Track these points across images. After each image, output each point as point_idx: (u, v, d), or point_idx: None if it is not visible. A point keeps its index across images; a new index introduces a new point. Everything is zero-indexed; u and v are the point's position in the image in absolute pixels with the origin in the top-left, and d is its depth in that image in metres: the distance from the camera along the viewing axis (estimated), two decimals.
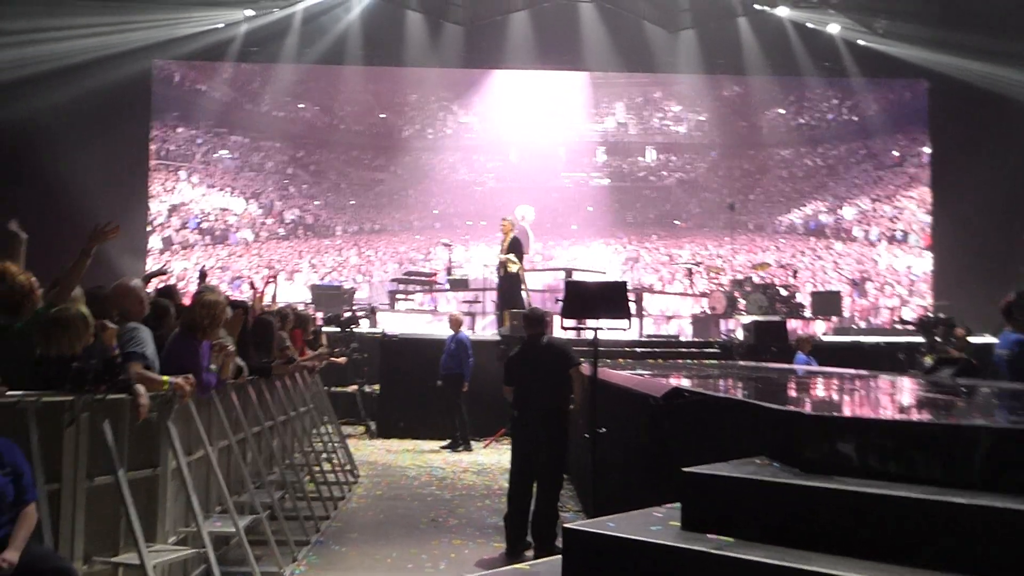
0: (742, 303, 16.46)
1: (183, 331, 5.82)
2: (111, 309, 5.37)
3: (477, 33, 20.73)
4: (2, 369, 4.24)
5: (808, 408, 4.32)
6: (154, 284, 8.11)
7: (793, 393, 5.82)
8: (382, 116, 22.09)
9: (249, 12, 19.77)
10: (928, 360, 10.72)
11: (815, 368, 10.54)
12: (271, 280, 10.73)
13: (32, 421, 4.26)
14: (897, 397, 5.40)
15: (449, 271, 18.35)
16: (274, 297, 10.15)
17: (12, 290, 4.80)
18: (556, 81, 21.83)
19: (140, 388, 4.80)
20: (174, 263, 20.00)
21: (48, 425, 4.37)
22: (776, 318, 14.79)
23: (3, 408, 4.16)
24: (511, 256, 13.97)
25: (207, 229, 20.81)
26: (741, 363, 11.61)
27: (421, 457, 12.10)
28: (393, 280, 19.35)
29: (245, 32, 20.09)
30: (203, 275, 8.51)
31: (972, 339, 12.57)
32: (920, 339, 12.78)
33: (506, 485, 7.62)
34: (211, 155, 21.14)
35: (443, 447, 12.61)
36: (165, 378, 5.13)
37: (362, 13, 20.36)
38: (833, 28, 20.62)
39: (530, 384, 7.39)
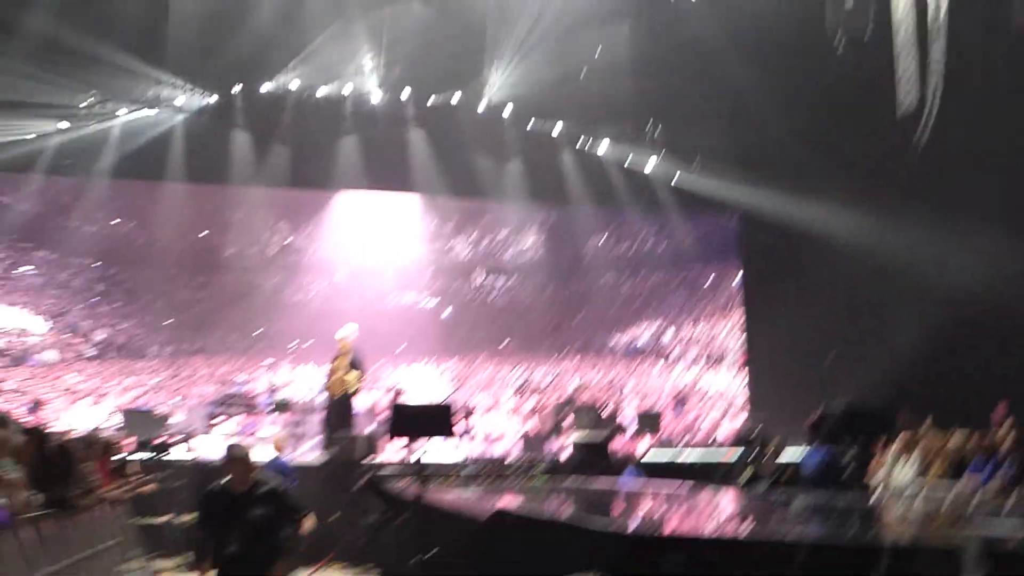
0: (568, 422, 16.68)
1: None
2: None
3: (304, 153, 20.66)
4: None
5: (631, 526, 4.34)
6: None
7: (617, 511, 5.85)
8: (203, 234, 21.52)
9: (63, 124, 19.01)
10: (745, 474, 11.10)
11: (640, 485, 10.70)
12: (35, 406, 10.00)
13: None
14: (717, 511, 5.52)
15: (272, 393, 17.76)
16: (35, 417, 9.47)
17: None
18: (385, 202, 22.00)
19: None
20: None
21: None
22: (601, 437, 15.02)
23: None
24: (355, 373, 13.71)
25: (3, 350, 19.36)
26: (568, 481, 11.66)
27: None
28: (211, 403, 18.51)
29: (58, 144, 19.22)
30: None
31: (784, 454, 13.14)
32: (737, 453, 13.25)
33: None
34: (12, 271, 19.86)
35: None
36: None
37: (185, 130, 19.94)
38: (650, 163, 21.86)
39: None
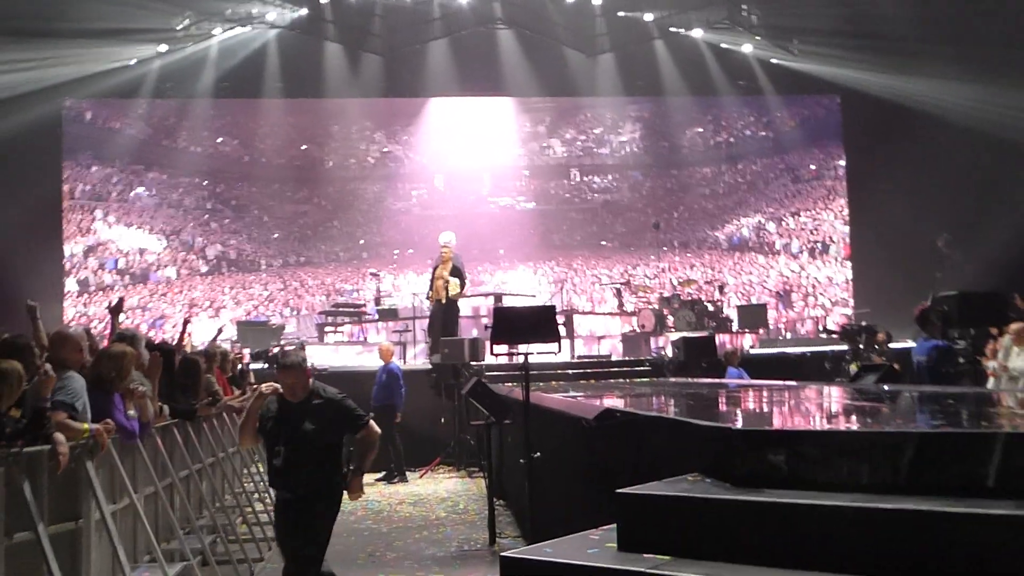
0: (671, 320, 16.64)
1: (91, 384, 5.50)
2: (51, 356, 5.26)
3: (396, 62, 20.69)
4: None
5: (735, 422, 4.37)
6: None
7: (722, 408, 5.87)
8: (303, 148, 21.89)
9: (162, 48, 19.41)
10: (852, 367, 10.95)
11: (743, 381, 10.69)
12: (186, 325, 10.47)
13: None
14: (823, 406, 5.49)
15: (378, 301, 18.19)
16: (181, 337, 9.90)
17: None
18: (478, 107, 21.90)
19: (59, 437, 4.63)
20: (92, 306, 19.47)
21: None
22: (704, 333, 14.97)
23: None
24: (456, 279, 13.91)
25: (125, 269, 20.31)
26: (672, 380, 11.72)
27: None
28: (321, 313, 19.12)
29: (159, 68, 19.70)
30: (119, 306, 7.97)
31: (893, 345, 12.88)
32: (844, 347, 13.04)
33: (443, 514, 7.50)
34: (127, 193, 20.67)
35: (378, 479, 12.43)
36: (85, 425, 4.97)
37: (279, 46, 20.16)
38: (747, 48, 21.09)
39: None
